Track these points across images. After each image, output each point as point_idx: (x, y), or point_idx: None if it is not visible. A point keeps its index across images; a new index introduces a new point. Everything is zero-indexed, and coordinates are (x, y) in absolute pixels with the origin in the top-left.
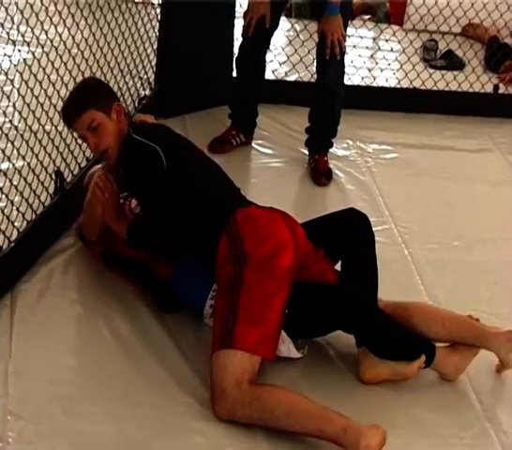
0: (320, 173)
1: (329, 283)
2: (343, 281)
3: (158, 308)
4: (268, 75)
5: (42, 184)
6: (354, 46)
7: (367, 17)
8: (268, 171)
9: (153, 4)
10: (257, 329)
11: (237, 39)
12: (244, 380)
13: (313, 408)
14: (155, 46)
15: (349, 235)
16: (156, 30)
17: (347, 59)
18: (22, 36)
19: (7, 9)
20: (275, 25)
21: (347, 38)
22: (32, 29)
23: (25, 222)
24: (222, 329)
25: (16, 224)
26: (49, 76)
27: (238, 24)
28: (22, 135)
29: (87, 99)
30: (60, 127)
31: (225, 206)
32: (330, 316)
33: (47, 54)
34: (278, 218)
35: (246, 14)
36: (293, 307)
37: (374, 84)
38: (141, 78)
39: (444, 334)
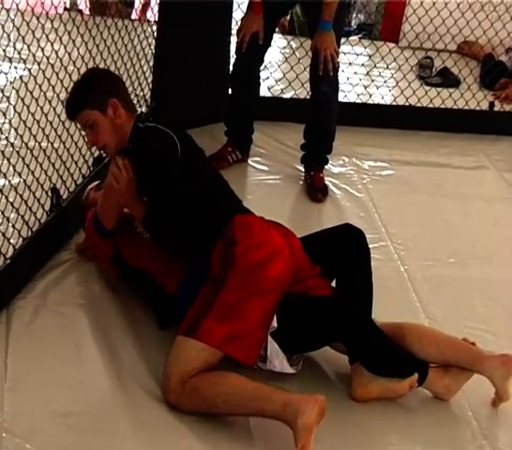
0: (316, 190)
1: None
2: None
3: (157, 324)
4: (264, 92)
5: (38, 201)
6: (350, 63)
7: (360, 35)
8: (264, 187)
9: (149, 21)
10: (225, 326)
11: (233, 56)
12: (189, 375)
13: (251, 389)
14: (151, 63)
15: (344, 250)
16: (152, 47)
17: (343, 76)
18: (19, 53)
19: (3, 27)
20: (268, 42)
21: (341, 55)
22: (28, 46)
23: (21, 239)
24: (193, 317)
25: (12, 241)
26: (45, 93)
27: (234, 42)
28: (18, 152)
29: (81, 100)
30: (56, 144)
31: (225, 210)
32: (324, 326)
33: (43, 71)
34: (273, 229)
35: (239, 31)
36: (287, 318)
37: (370, 101)
38: (137, 95)
39: (437, 355)
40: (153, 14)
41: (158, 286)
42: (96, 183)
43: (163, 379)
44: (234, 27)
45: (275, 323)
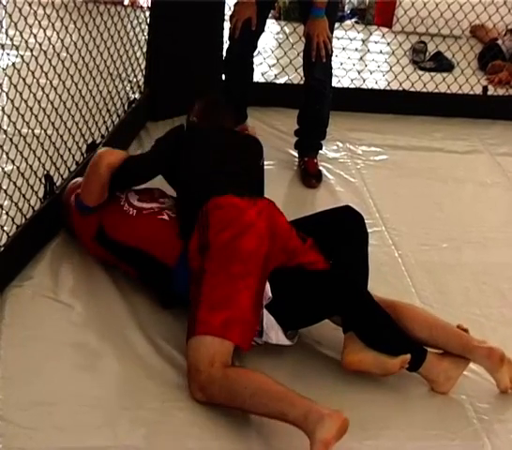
0: (310, 175)
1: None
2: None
3: (159, 303)
4: (258, 78)
5: (32, 188)
6: (344, 48)
7: (353, 20)
8: None
9: (142, 7)
10: (221, 312)
11: (226, 42)
12: (216, 360)
13: (279, 391)
14: (144, 49)
15: (343, 231)
16: (145, 33)
17: (337, 61)
18: (11, 39)
19: None
20: (261, 28)
21: (335, 40)
22: (20, 33)
23: (15, 226)
24: (190, 317)
25: (5, 228)
26: (38, 80)
27: (227, 27)
28: (11, 139)
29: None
30: (50, 131)
31: (201, 193)
32: (321, 298)
33: (36, 58)
34: (251, 206)
35: (232, 17)
36: (283, 292)
37: (364, 86)
38: (130, 81)
39: (429, 339)
40: (145, 0)
41: (155, 260)
42: (79, 179)
43: (190, 372)
44: (227, 13)
45: (269, 294)
